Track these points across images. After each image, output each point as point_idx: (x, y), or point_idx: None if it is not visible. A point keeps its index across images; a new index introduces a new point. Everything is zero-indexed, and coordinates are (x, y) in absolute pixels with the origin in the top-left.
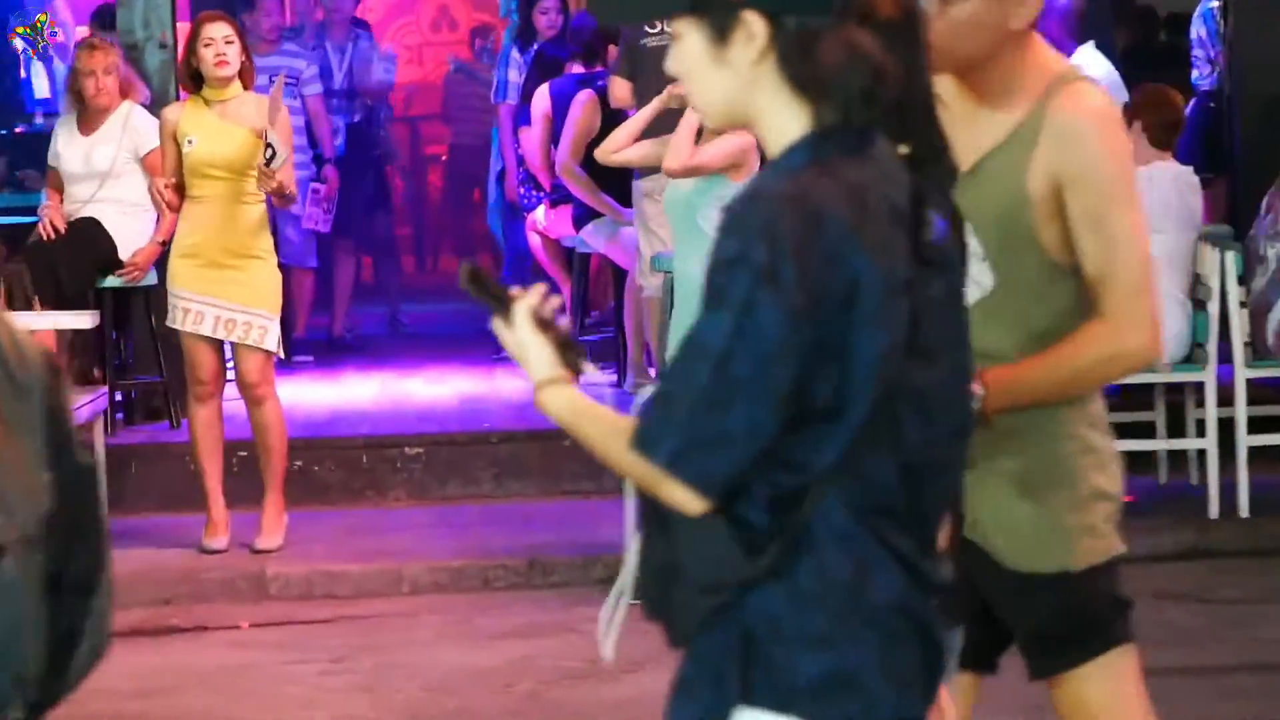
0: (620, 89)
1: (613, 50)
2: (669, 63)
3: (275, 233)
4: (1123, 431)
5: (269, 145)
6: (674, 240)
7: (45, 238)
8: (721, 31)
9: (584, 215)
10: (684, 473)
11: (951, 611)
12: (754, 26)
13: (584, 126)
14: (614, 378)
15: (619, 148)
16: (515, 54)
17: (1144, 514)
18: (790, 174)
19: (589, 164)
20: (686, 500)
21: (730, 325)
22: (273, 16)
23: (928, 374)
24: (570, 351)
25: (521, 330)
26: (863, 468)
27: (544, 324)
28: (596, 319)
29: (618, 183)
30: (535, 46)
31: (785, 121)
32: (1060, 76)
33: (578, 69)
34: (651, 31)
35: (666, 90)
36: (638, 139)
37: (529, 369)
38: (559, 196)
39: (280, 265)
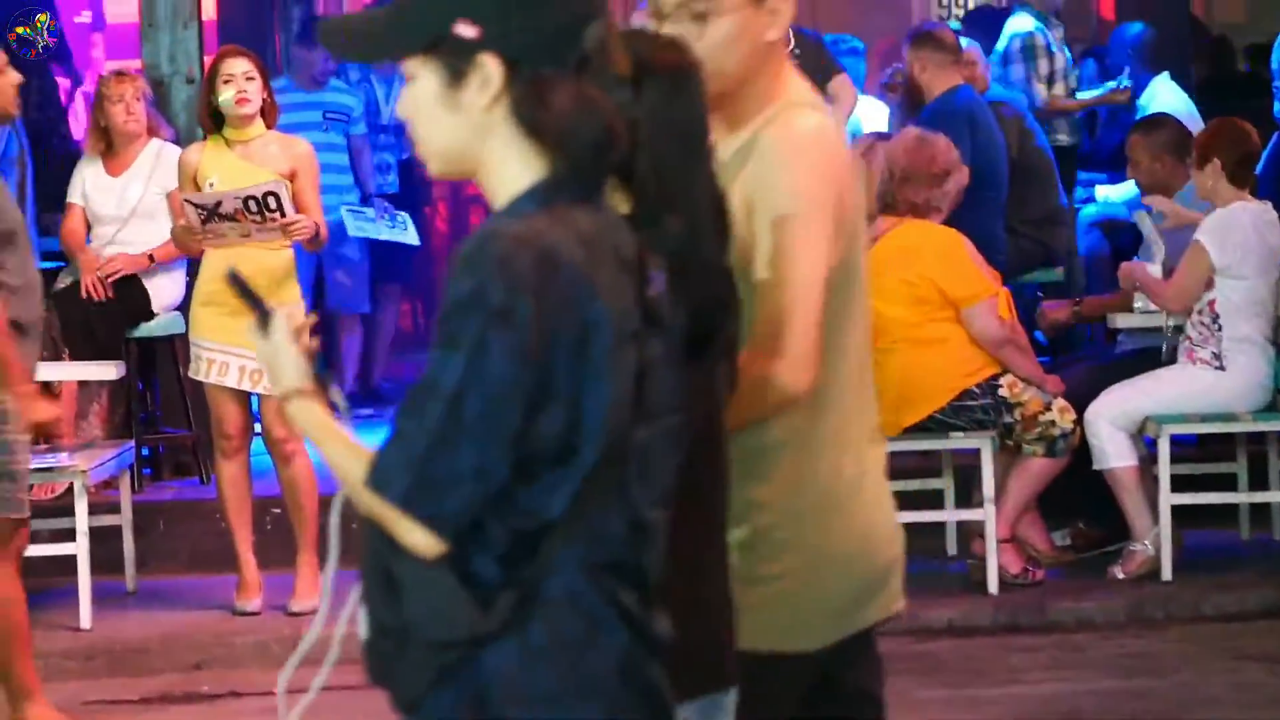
0: None
1: None
2: (398, 106)
3: (323, 277)
4: (1202, 484)
5: (271, 194)
6: None
7: (90, 297)
8: (457, 74)
9: None
10: (416, 510)
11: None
12: (490, 70)
13: None
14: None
15: None
16: None
17: (1225, 571)
18: (523, 217)
19: None
20: (422, 541)
21: (463, 364)
22: None
23: (648, 432)
24: (319, 369)
25: (278, 337)
26: (593, 522)
27: (297, 337)
28: None
29: None
30: None
31: (514, 169)
32: (787, 102)
33: None
34: None
35: None
36: None
37: (279, 377)
38: None
39: (328, 311)
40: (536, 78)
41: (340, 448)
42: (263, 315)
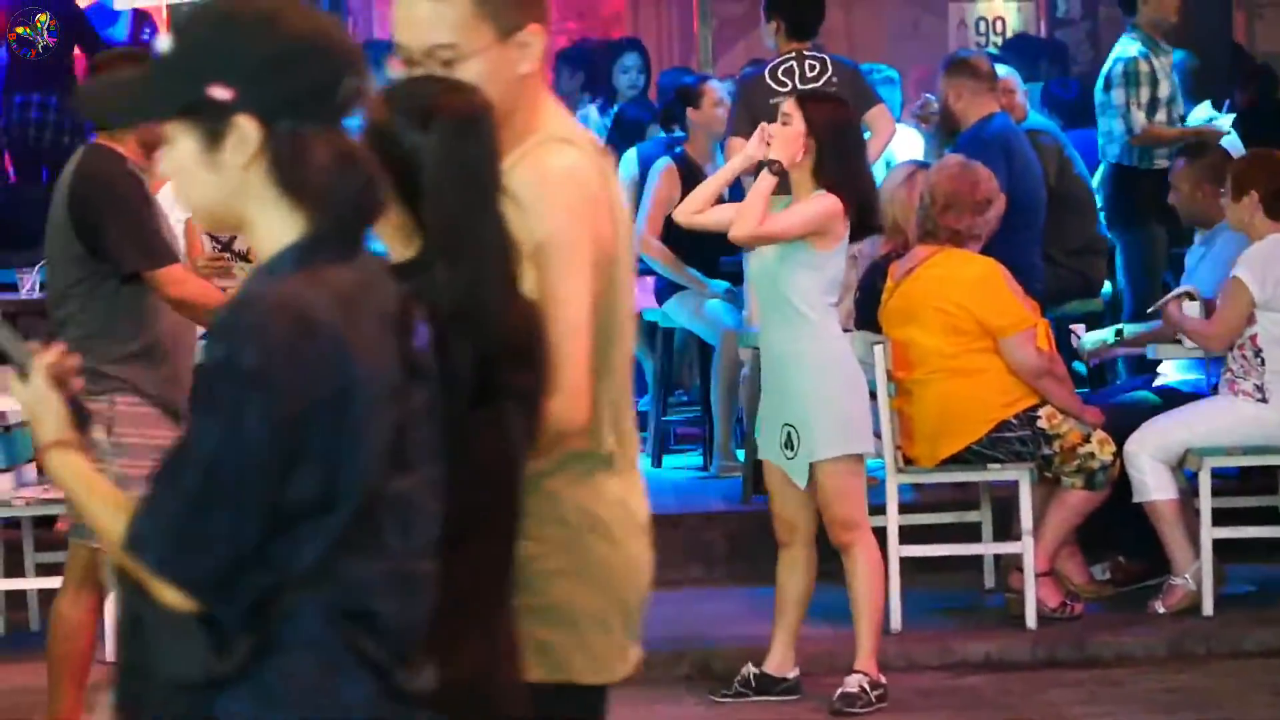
0: (738, 151)
1: (692, 114)
2: (160, 165)
3: None
4: (1244, 518)
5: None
6: (760, 313)
7: None
8: (214, 136)
9: (666, 288)
10: (171, 574)
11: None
12: (246, 131)
13: (663, 197)
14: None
15: (698, 210)
16: (594, 114)
17: (1267, 606)
18: (280, 279)
19: (672, 233)
20: (176, 599)
21: (219, 430)
22: None
23: (407, 483)
24: (80, 417)
25: (38, 386)
26: (340, 572)
27: (59, 384)
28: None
29: (701, 253)
30: (616, 107)
31: (276, 226)
32: (543, 136)
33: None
34: (782, 91)
35: (749, 147)
36: (718, 200)
37: (40, 428)
38: (643, 267)
39: None
40: (294, 136)
41: (100, 504)
42: (22, 363)
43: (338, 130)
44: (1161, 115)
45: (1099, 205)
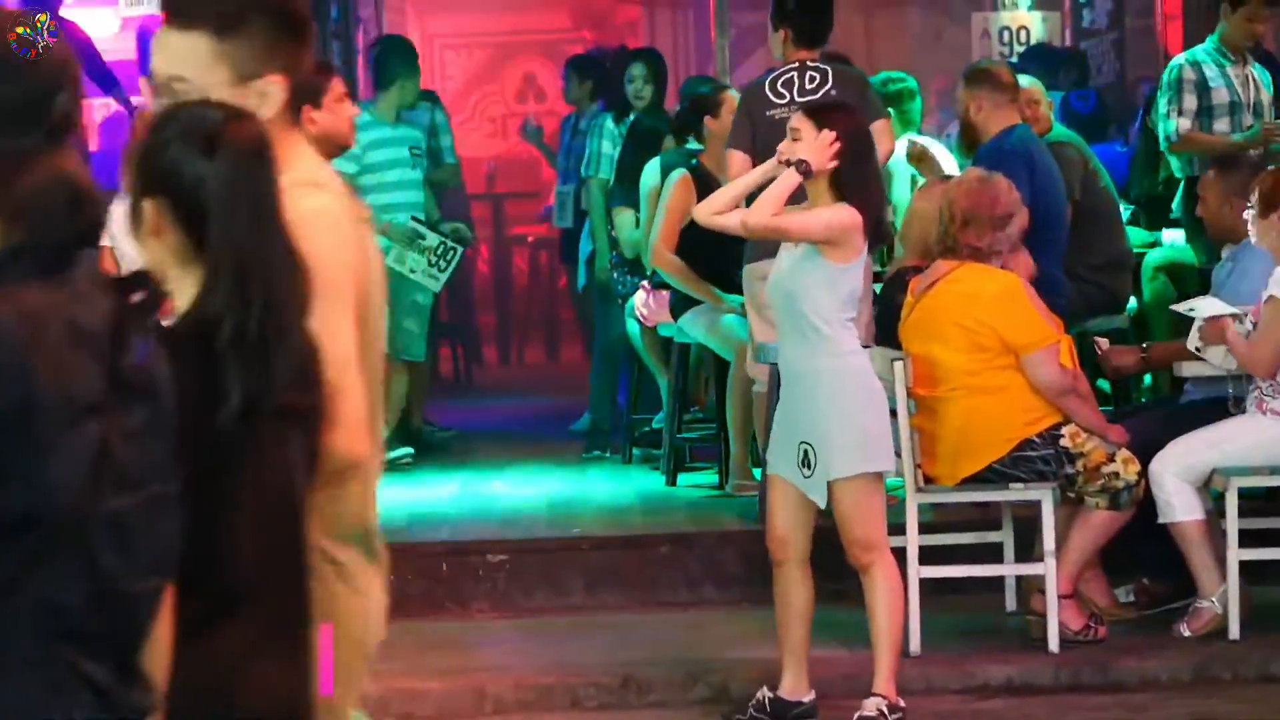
0: (738, 164)
1: (710, 123)
2: None
3: (392, 323)
4: (1272, 539)
5: None
6: (778, 330)
7: None
8: None
9: (681, 302)
10: None
11: None
12: None
13: (677, 210)
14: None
15: (719, 210)
16: (610, 124)
17: None
18: None
19: (688, 247)
20: None
21: None
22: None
23: (122, 501)
24: None
25: None
26: (44, 592)
27: None
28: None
29: (717, 267)
30: (632, 117)
31: None
32: (291, 181)
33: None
34: (779, 102)
35: (776, 155)
36: (739, 205)
37: None
38: (658, 280)
39: (387, 358)
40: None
41: None
42: None
43: (51, 147)
44: (1223, 124)
45: (1125, 219)
